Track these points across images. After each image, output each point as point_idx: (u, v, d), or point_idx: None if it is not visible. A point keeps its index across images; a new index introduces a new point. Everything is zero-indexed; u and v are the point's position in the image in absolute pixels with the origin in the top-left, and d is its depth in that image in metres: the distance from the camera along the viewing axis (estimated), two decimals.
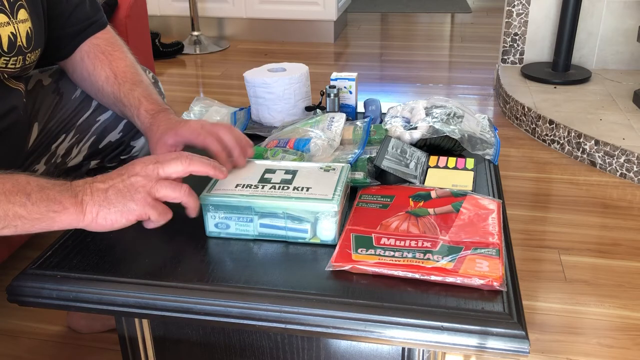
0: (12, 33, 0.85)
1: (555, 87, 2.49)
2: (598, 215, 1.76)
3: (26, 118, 0.99)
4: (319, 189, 0.80)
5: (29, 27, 0.89)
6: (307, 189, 0.80)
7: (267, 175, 0.83)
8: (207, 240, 0.82)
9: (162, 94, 1.14)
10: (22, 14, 0.87)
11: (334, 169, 0.86)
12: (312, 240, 0.80)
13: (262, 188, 0.80)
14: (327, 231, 0.79)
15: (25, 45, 0.88)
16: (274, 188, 0.80)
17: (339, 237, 0.79)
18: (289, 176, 0.83)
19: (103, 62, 1.01)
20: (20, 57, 0.88)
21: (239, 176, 0.83)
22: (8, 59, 0.86)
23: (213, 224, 0.81)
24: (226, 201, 0.79)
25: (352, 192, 0.92)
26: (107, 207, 0.71)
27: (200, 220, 0.82)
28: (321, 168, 0.86)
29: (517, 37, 2.71)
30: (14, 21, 0.85)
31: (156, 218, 0.74)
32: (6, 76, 0.89)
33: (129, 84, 0.98)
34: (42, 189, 0.70)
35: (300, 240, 0.80)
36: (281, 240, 0.81)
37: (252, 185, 0.81)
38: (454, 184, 0.92)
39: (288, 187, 0.80)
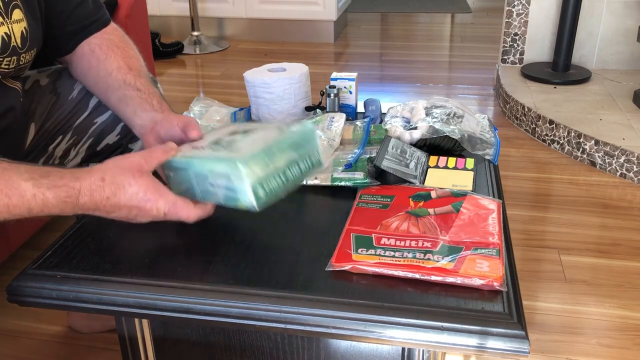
0: (5, 34, 0.85)
1: (555, 87, 2.49)
2: (598, 215, 1.76)
3: (23, 118, 0.99)
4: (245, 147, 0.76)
5: (24, 27, 0.88)
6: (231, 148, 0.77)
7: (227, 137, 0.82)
8: (207, 241, 0.82)
9: (161, 94, 1.14)
10: (17, 14, 0.87)
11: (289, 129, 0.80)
12: (243, 205, 0.75)
13: (203, 149, 0.80)
14: (245, 197, 0.73)
15: (20, 46, 0.88)
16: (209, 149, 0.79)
17: (261, 200, 0.74)
18: (239, 136, 0.80)
19: (117, 54, 1.02)
20: (15, 57, 0.88)
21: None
22: (2, 59, 0.86)
23: (173, 186, 0.82)
24: (171, 164, 0.81)
25: (352, 192, 0.92)
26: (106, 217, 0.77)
27: (199, 220, 0.82)
28: (278, 128, 0.82)
29: (517, 37, 2.71)
30: (8, 21, 0.85)
31: None
32: (0, 76, 0.89)
33: (145, 79, 1.01)
34: (44, 206, 0.72)
35: (235, 206, 0.76)
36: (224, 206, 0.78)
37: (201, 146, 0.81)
38: (454, 184, 0.92)
39: (219, 148, 0.79)
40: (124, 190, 0.74)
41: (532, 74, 2.58)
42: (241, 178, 0.72)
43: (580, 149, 2.08)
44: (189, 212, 0.78)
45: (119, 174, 0.75)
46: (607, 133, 2.05)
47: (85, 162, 1.10)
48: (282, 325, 0.69)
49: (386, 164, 0.92)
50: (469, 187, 0.91)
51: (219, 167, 0.75)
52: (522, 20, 2.68)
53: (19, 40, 0.88)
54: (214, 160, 0.77)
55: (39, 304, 0.75)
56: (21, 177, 0.71)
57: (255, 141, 0.78)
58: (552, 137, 2.19)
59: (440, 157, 1.00)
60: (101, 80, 1.01)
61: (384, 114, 1.19)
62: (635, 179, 1.94)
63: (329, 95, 1.18)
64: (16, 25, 0.87)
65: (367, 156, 0.97)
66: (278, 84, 1.15)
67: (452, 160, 0.99)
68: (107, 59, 1.01)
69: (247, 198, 0.74)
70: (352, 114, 1.23)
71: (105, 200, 0.74)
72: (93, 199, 0.73)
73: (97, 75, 1.02)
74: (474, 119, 1.10)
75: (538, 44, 2.71)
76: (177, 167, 0.80)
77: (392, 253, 0.75)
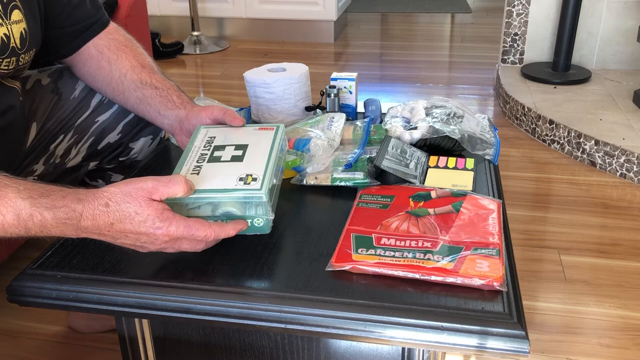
0: (4, 34, 0.85)
1: (555, 87, 2.49)
2: (598, 215, 1.76)
3: (23, 117, 0.99)
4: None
5: (24, 28, 0.88)
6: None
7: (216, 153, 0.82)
8: None
9: (177, 87, 1.15)
10: (16, 14, 0.87)
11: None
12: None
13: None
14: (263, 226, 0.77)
15: (19, 47, 0.88)
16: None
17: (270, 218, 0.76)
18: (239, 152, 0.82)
19: (127, 53, 1.02)
20: (14, 58, 0.88)
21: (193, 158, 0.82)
22: (1, 60, 0.86)
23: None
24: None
25: (352, 192, 0.92)
26: (110, 242, 0.73)
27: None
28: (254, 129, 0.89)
29: (517, 37, 2.71)
30: (7, 22, 0.85)
31: None
32: None
33: (159, 74, 1.01)
34: (43, 227, 0.68)
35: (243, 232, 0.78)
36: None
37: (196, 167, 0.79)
38: (454, 184, 0.92)
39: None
40: (130, 218, 0.69)
41: (532, 74, 2.58)
42: (266, 214, 0.75)
43: (580, 149, 2.08)
44: (205, 230, 0.72)
45: (125, 201, 0.70)
46: (607, 133, 2.05)
47: (85, 160, 1.11)
48: (282, 325, 0.69)
49: (386, 164, 0.92)
50: (469, 187, 0.91)
51: (236, 204, 0.75)
52: (522, 20, 2.68)
53: (18, 41, 0.87)
54: (233, 196, 0.74)
55: (39, 304, 0.75)
56: (19, 195, 0.68)
57: (258, 158, 0.81)
58: (552, 137, 2.19)
59: (440, 157, 1.00)
60: (115, 82, 1.01)
61: (384, 114, 1.19)
62: (635, 179, 1.94)
63: (329, 95, 1.18)
64: (15, 26, 0.87)
65: (367, 156, 0.97)
66: (278, 84, 1.15)
67: (452, 160, 0.99)
68: (118, 59, 1.01)
69: (266, 227, 0.77)
70: (352, 114, 1.23)
71: (110, 226, 0.69)
72: (96, 224, 0.69)
73: (109, 77, 1.02)
74: (474, 119, 1.10)
75: (538, 44, 2.71)
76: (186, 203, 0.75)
77: (392, 253, 0.75)
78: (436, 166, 0.98)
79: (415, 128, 1.05)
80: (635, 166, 1.93)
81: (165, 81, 1.01)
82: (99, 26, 1.03)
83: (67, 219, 0.69)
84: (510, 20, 2.69)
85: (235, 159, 0.80)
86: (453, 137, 1.01)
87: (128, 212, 0.69)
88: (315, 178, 0.95)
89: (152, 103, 0.98)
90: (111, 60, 1.01)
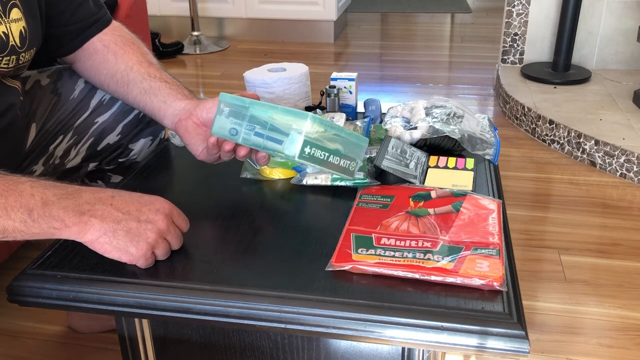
0: (3, 32, 0.85)
1: (555, 87, 2.50)
2: (598, 215, 1.76)
3: (24, 117, 0.99)
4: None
5: (23, 27, 0.88)
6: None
7: None
8: (207, 241, 0.82)
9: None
10: (15, 13, 0.87)
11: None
12: (281, 154, 0.81)
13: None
14: (291, 146, 0.79)
15: (19, 45, 0.88)
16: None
17: (299, 155, 0.79)
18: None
19: (134, 50, 1.03)
20: (14, 56, 0.88)
21: None
22: (0, 58, 0.86)
23: (219, 123, 0.85)
24: (230, 100, 0.84)
25: (352, 192, 0.92)
26: (110, 239, 0.72)
27: (199, 220, 0.82)
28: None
29: (517, 37, 2.71)
30: (5, 20, 0.85)
31: (141, 265, 0.76)
32: None
33: (167, 73, 1.02)
34: (45, 204, 0.70)
35: (272, 153, 0.83)
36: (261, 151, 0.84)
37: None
38: (454, 184, 0.92)
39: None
40: (129, 194, 0.75)
41: (532, 74, 2.58)
42: (301, 127, 0.78)
43: (580, 149, 2.08)
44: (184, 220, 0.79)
45: (128, 193, 0.76)
46: (607, 133, 2.05)
47: (85, 161, 1.10)
48: (282, 325, 0.69)
49: (386, 164, 0.92)
50: (469, 187, 0.91)
51: (284, 115, 0.79)
52: (522, 20, 2.68)
53: (17, 40, 0.87)
54: (281, 109, 0.80)
55: (39, 304, 0.75)
56: (19, 180, 0.72)
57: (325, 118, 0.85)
58: (552, 137, 2.19)
59: (440, 157, 1.00)
60: (120, 74, 1.01)
61: (384, 114, 1.19)
62: (635, 179, 1.94)
63: (329, 95, 1.18)
64: (14, 25, 0.87)
65: (367, 156, 0.97)
66: (278, 84, 1.15)
67: (452, 160, 0.99)
68: (125, 53, 1.02)
69: (294, 146, 0.79)
70: (352, 114, 1.23)
71: (110, 198, 0.73)
72: (97, 196, 0.73)
73: (114, 70, 1.02)
74: (474, 119, 1.10)
75: (538, 44, 2.71)
76: (237, 103, 0.83)
77: (392, 253, 0.75)
78: (436, 166, 0.98)
79: (415, 128, 1.05)
80: (635, 166, 1.93)
81: (174, 80, 1.02)
82: (102, 24, 1.03)
83: (67, 194, 0.72)
84: (510, 20, 2.69)
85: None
86: (453, 137, 1.01)
87: (127, 193, 0.76)
88: (315, 178, 0.95)
89: (159, 94, 0.98)
90: (118, 54, 1.02)
